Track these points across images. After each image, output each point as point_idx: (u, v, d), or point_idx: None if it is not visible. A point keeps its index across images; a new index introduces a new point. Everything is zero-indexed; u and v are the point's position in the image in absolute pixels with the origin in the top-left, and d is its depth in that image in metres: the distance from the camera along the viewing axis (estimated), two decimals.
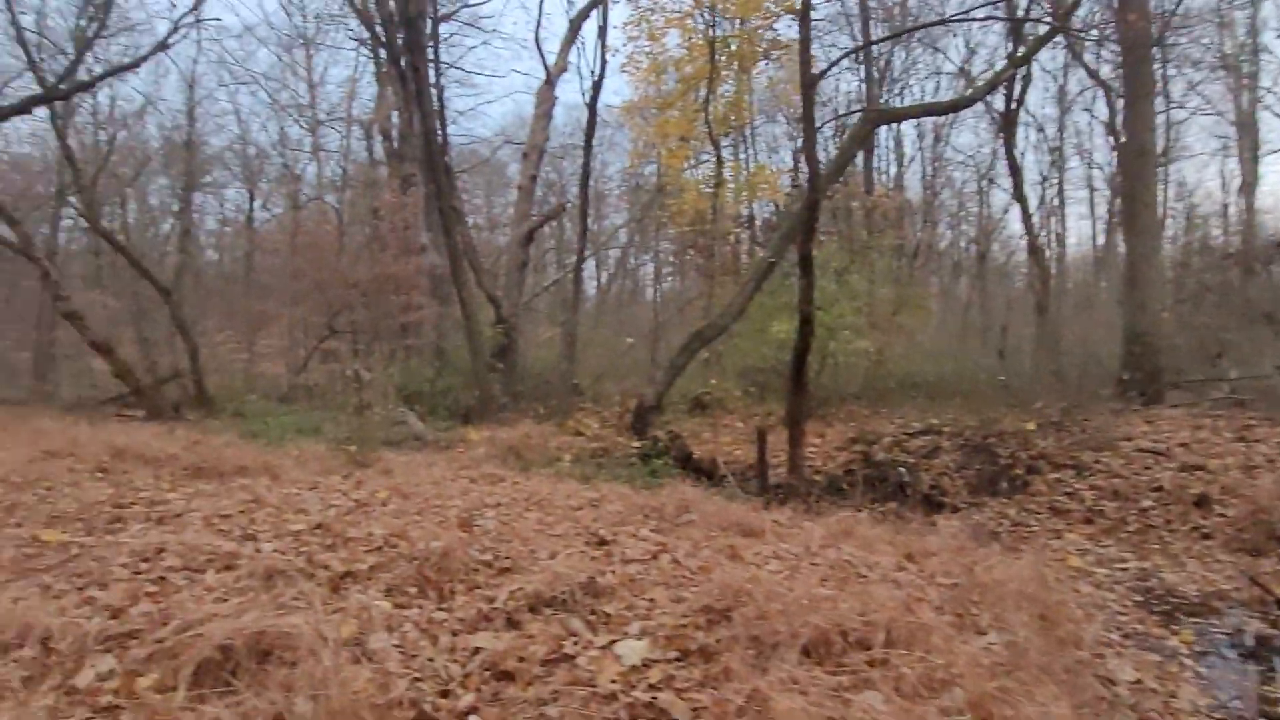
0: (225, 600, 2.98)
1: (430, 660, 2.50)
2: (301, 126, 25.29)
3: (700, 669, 2.40)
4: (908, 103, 18.98)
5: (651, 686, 2.30)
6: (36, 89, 12.13)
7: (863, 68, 17.87)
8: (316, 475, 7.10)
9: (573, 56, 16.24)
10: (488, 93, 38.58)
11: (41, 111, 14.24)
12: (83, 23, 15.16)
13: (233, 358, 22.72)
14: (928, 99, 19.22)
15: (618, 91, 45.93)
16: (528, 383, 14.86)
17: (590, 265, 25.70)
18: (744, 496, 7.64)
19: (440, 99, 16.58)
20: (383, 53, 18.94)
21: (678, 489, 5.91)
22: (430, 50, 16.15)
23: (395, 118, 19.38)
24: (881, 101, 17.60)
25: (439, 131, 13.12)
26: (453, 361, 14.46)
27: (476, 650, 2.57)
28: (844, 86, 20.17)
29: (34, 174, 23.12)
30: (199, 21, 13.14)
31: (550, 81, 16.35)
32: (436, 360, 14.52)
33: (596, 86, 13.55)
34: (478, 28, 20.44)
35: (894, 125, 19.44)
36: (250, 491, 5.62)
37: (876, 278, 11.57)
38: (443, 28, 19.09)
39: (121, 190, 22.89)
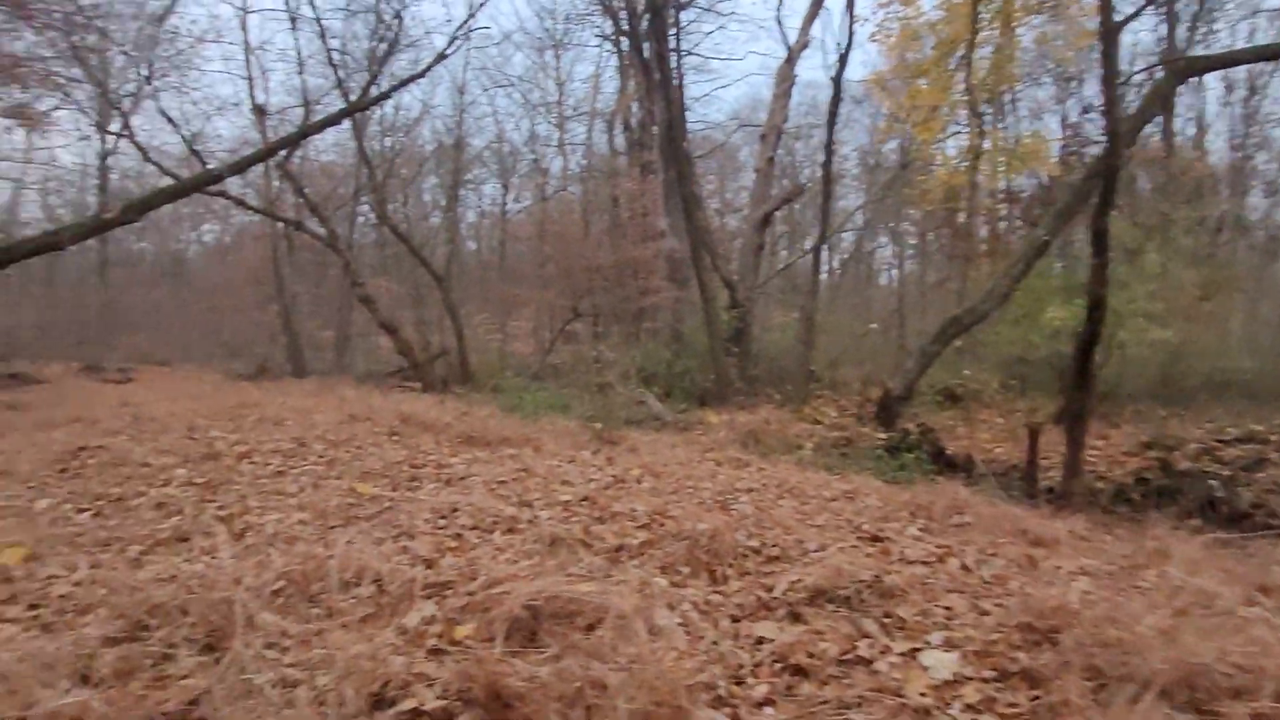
0: (516, 562, 3.18)
1: (715, 644, 2.44)
2: (549, 123, 27.04)
3: (1026, 695, 2.11)
4: (1214, 50, 16.08)
5: (970, 707, 2.05)
6: (341, 104, 14.16)
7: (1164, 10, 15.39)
8: (570, 449, 7.49)
9: (814, 30, 15.72)
10: (723, 77, 38.61)
11: (343, 122, 16.62)
12: (376, 43, 17.34)
13: (488, 338, 24.96)
14: (1239, 45, 16.17)
15: (861, 64, 43.96)
16: (761, 367, 14.72)
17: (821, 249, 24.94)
18: (1010, 500, 6.92)
19: (679, 86, 16.81)
20: (625, 44, 19.65)
21: (944, 487, 5.45)
22: (671, 38, 16.42)
23: (635, 108, 20.04)
24: (1180, 50, 15.08)
25: (681, 118, 13.31)
26: (689, 344, 14.69)
27: (761, 640, 2.48)
28: (1129, 38, 17.56)
29: (336, 178, 26.98)
30: (469, 32, 14.43)
31: (791, 59, 15.94)
32: (673, 343, 14.83)
33: (843, 59, 12.96)
34: (716, 12, 20.48)
35: (1195, 79, 16.57)
36: (519, 461, 6.03)
37: (1176, 257, 9.92)
38: (682, 15, 19.36)
39: (404, 189, 25.89)
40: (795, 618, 2.64)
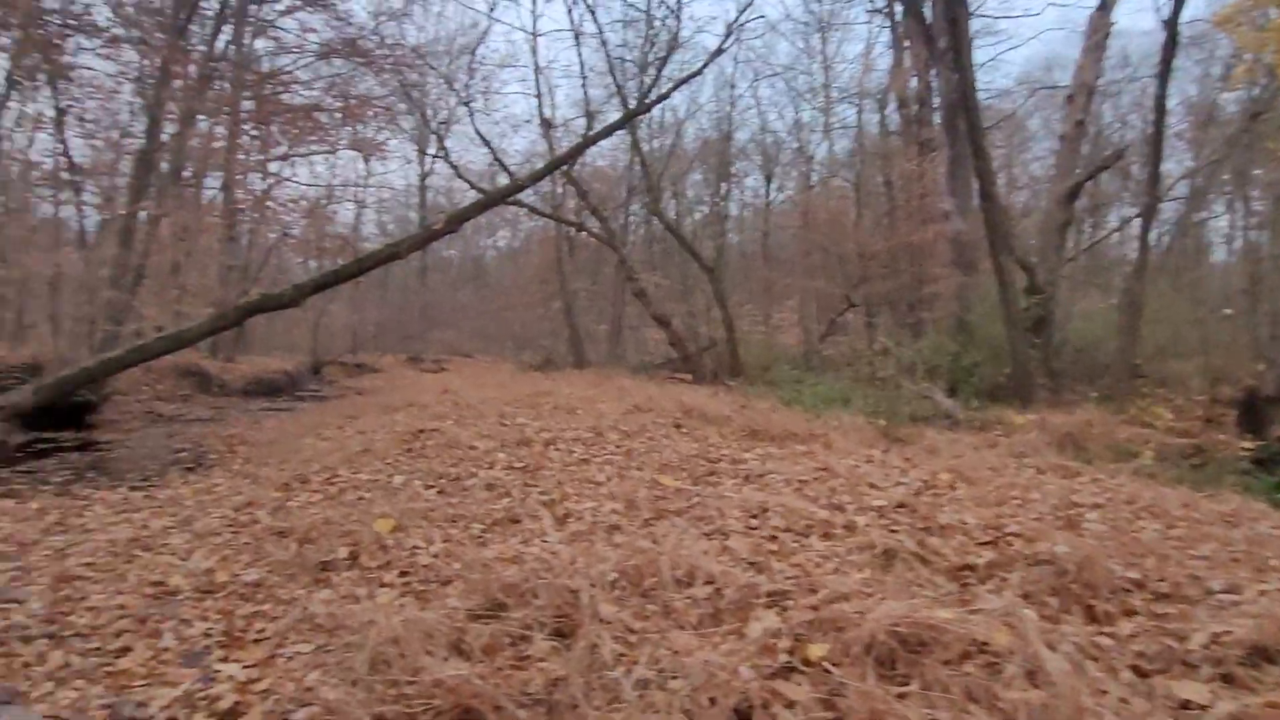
0: (846, 573, 2.95)
1: (1124, 702, 2.01)
2: (815, 109, 26.31)
3: None
4: None
5: None
6: (620, 111, 14.93)
7: None
8: (859, 446, 7.07)
9: None
10: (1011, 38, 34.92)
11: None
12: (649, 49, 18.03)
13: (751, 329, 24.93)
14: None
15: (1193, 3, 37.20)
16: (1066, 359, 12.98)
17: (1134, 223, 21.43)
18: None
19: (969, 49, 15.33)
20: (901, 15, 18.43)
21: None
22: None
23: (912, 83, 18.72)
24: None
25: (973, 84, 12.08)
26: (977, 335, 13.37)
27: (1187, 704, 2.01)
28: None
29: (609, 181, 28.66)
30: (743, 25, 14.41)
31: (1106, 5, 13.82)
32: (959, 334, 13.59)
33: None
34: None
35: None
36: (814, 459, 5.78)
37: None
38: None
39: (673, 186, 26.72)
40: (1229, 680, 2.11)
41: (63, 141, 16.18)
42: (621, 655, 2.37)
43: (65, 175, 16.98)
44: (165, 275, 16.60)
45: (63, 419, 11.57)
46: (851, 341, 16.13)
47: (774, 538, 3.50)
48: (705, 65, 14.53)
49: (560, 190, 25.30)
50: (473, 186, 20.80)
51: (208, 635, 3.12)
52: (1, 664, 2.85)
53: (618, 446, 6.57)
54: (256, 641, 3.02)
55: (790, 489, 4.49)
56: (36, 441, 10.09)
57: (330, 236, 22.64)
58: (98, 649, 3.02)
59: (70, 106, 16.36)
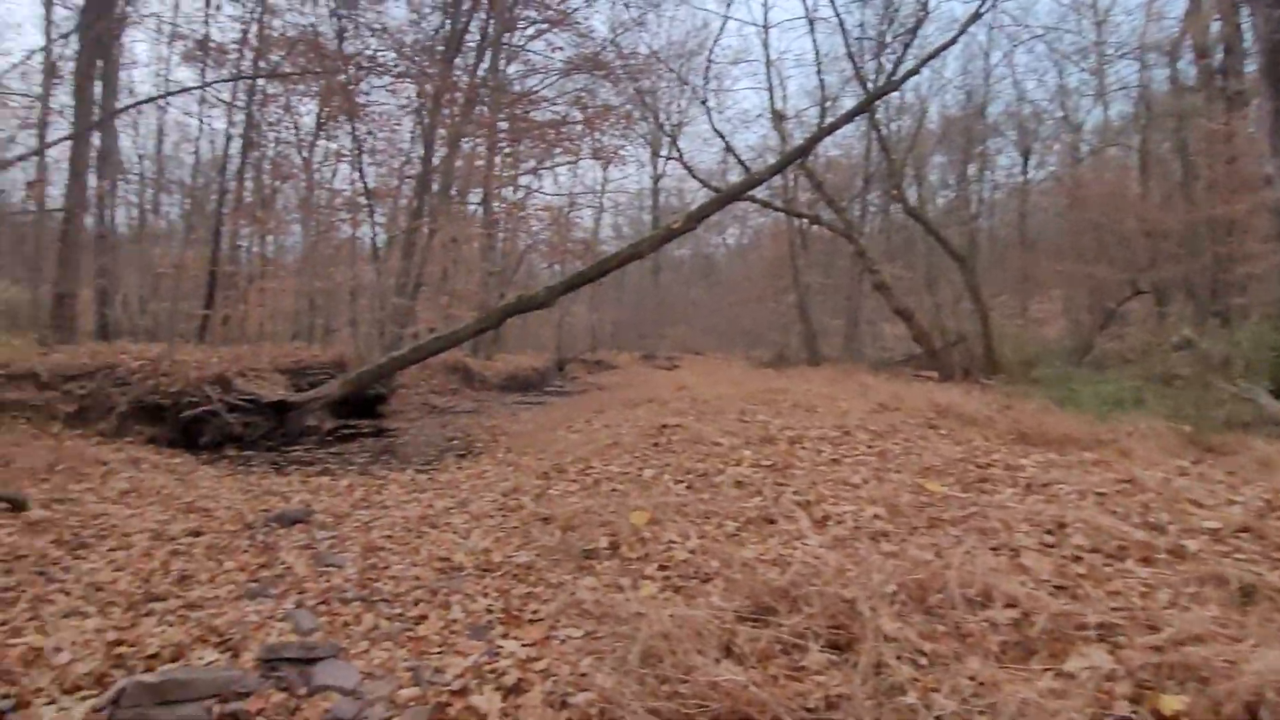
0: (1181, 606, 2.46)
1: None
2: (1083, 70, 23.37)
3: None
4: None
5: None
6: (857, 98, 14.21)
7: None
8: (1162, 456, 6.05)
9: None
10: None
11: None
12: (888, 27, 17.05)
13: (1005, 322, 22.70)
14: None
15: None
16: None
17: None
18: None
19: None
20: None
21: None
22: None
23: (1215, 27, 15.90)
24: None
25: None
26: None
27: None
28: None
29: (843, 170, 27.62)
30: None
31: None
32: None
33: None
34: None
35: None
36: (1109, 469, 5.02)
37: None
38: None
39: (917, 170, 25.17)
40: None
41: (359, 170, 18.74)
42: (914, 679, 2.14)
43: (360, 200, 19.67)
44: (437, 283, 18.62)
45: (361, 409, 13.41)
46: (1137, 334, 14.05)
47: (1078, 558, 3.03)
48: (959, 34, 13.38)
49: (793, 183, 24.87)
50: (705, 185, 21.07)
51: (489, 611, 3.33)
52: (326, 621, 3.25)
53: (869, 447, 6.19)
54: (532, 621, 3.17)
55: (1088, 503, 3.90)
56: (342, 427, 11.76)
57: (573, 241, 24.06)
58: (400, 615, 3.35)
59: (364, 140, 18.94)
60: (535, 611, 3.27)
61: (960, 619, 2.44)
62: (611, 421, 9.08)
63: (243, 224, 20.54)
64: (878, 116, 23.80)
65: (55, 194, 16.31)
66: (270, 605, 3.44)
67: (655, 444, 6.85)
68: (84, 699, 2.55)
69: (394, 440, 10.52)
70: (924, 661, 2.23)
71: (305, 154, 21.02)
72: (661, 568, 3.59)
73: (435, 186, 18.74)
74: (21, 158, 8.56)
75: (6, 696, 2.50)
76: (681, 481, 5.28)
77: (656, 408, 10.10)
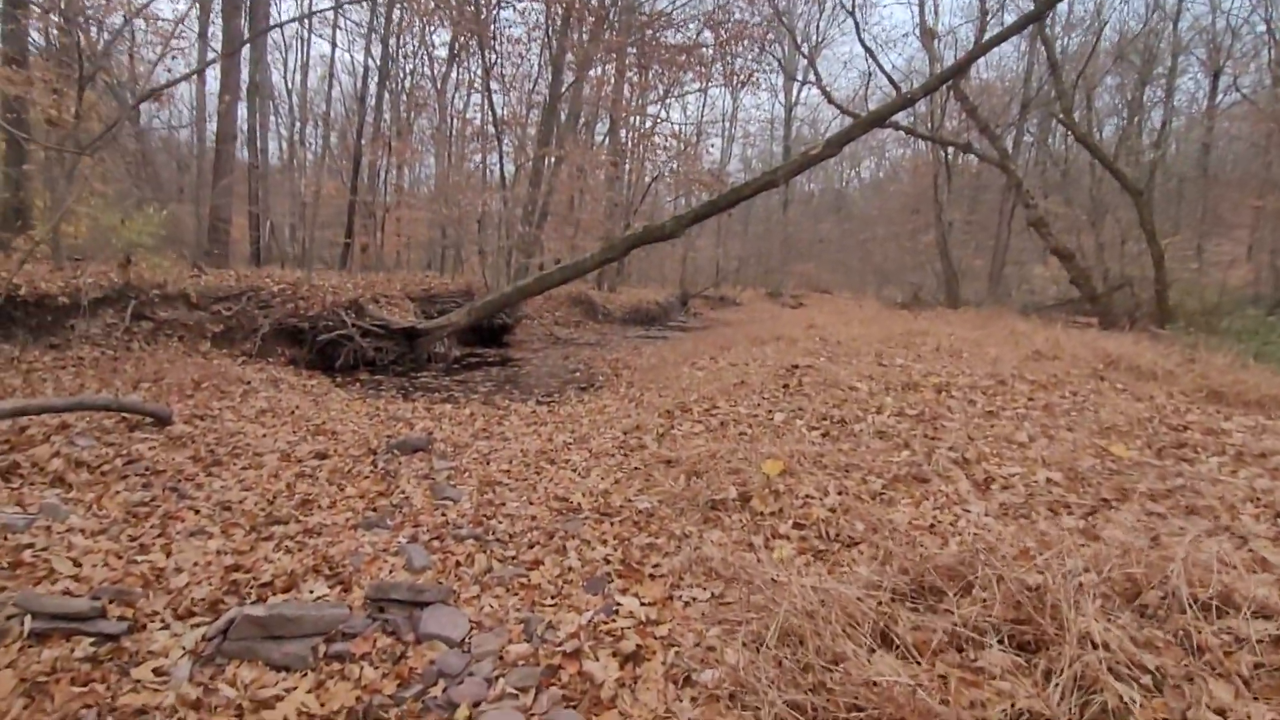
0: None
1: None
2: None
3: None
4: None
5: None
6: (1011, 13, 12.51)
7: None
8: None
9: None
10: None
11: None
12: None
13: (1179, 265, 20.26)
14: None
15: None
16: None
17: None
18: None
19: None
20: None
21: None
22: None
23: None
24: None
25: None
26: None
27: None
28: None
29: (995, 97, 25.12)
30: None
31: None
32: None
33: None
34: None
35: None
36: None
37: None
38: None
39: (1088, 92, 22.56)
40: None
41: (488, 98, 18.68)
42: (1135, 703, 1.67)
43: (489, 128, 19.69)
44: (564, 213, 18.50)
45: (487, 338, 13.62)
46: None
47: None
48: None
49: (940, 111, 22.98)
50: (843, 111, 19.68)
51: (607, 561, 3.07)
52: (439, 560, 3.09)
53: (1031, 400, 5.48)
54: (653, 577, 2.88)
55: None
56: (469, 355, 11.96)
57: (701, 172, 23.27)
58: (514, 558, 3.14)
59: (493, 67, 18.81)
60: (656, 566, 2.98)
61: (1189, 627, 1.92)
62: (738, 359, 8.66)
63: (380, 154, 21.15)
64: (1045, 31, 21.41)
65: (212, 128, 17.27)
66: (385, 537, 3.33)
67: (785, 385, 6.38)
68: (196, 626, 2.48)
69: (517, 370, 10.55)
70: (1146, 680, 1.75)
71: (438, 85, 21.24)
72: (797, 525, 3.20)
73: (563, 115, 18.47)
74: (171, 83, 8.85)
75: (122, 619, 2.46)
76: (816, 429, 4.83)
77: (785, 346, 9.57)
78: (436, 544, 3.26)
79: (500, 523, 3.53)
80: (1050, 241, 16.50)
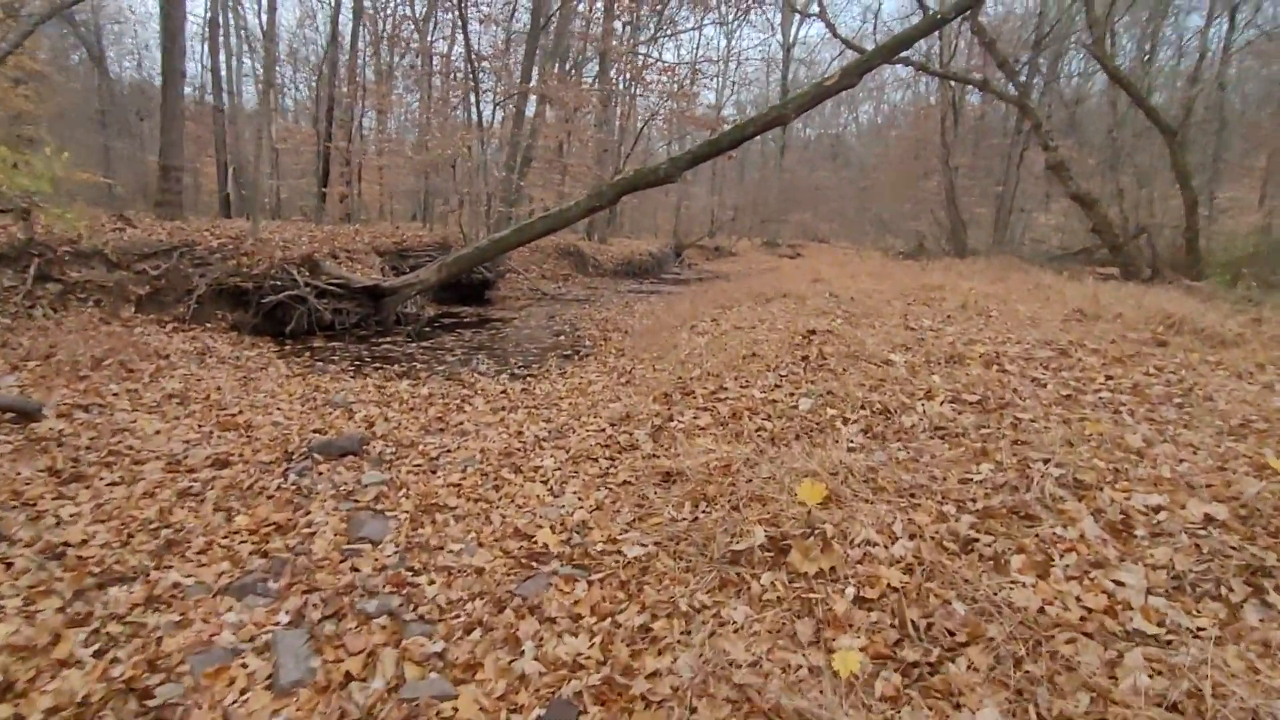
0: None
1: None
2: None
3: None
4: None
5: None
6: None
7: None
8: None
9: None
10: None
11: None
12: None
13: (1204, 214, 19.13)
14: None
15: None
16: None
17: None
18: None
19: None
20: None
21: None
22: None
23: None
24: None
25: None
26: None
27: None
28: None
29: (1013, 30, 23.53)
30: None
31: None
32: None
33: None
34: None
35: None
36: None
37: None
38: None
39: (1107, 27, 21.06)
40: None
41: (465, 34, 17.16)
42: None
43: (468, 65, 18.22)
44: (550, 158, 17.14)
45: (467, 295, 12.47)
46: None
47: None
48: None
49: (951, 47, 21.61)
50: (848, 45, 18.20)
51: (579, 666, 2.04)
52: (322, 668, 2.05)
53: (1110, 379, 4.43)
54: (649, 705, 1.84)
55: None
56: (445, 315, 10.84)
57: (696, 113, 21.79)
58: (440, 658, 2.10)
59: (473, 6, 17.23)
60: (654, 679, 1.94)
61: None
62: (743, 321, 7.58)
63: (356, 98, 19.64)
64: None
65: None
66: (259, 613, 2.30)
67: (804, 358, 5.31)
68: None
69: (495, 332, 9.45)
70: None
71: (418, 25, 19.65)
72: (862, 603, 2.16)
73: (548, 50, 16.99)
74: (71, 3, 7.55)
75: None
76: (854, 421, 3.77)
77: (793, 305, 8.48)
78: (330, 627, 2.23)
79: (431, 584, 2.49)
80: (1070, 186, 15.29)
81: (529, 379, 6.23)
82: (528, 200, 16.38)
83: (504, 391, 5.57)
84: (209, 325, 7.49)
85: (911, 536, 2.46)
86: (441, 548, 2.75)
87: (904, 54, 14.52)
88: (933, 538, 2.45)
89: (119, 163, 23.27)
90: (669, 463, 3.39)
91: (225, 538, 2.90)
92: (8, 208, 6.58)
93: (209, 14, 19.53)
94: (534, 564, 2.62)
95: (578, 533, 2.85)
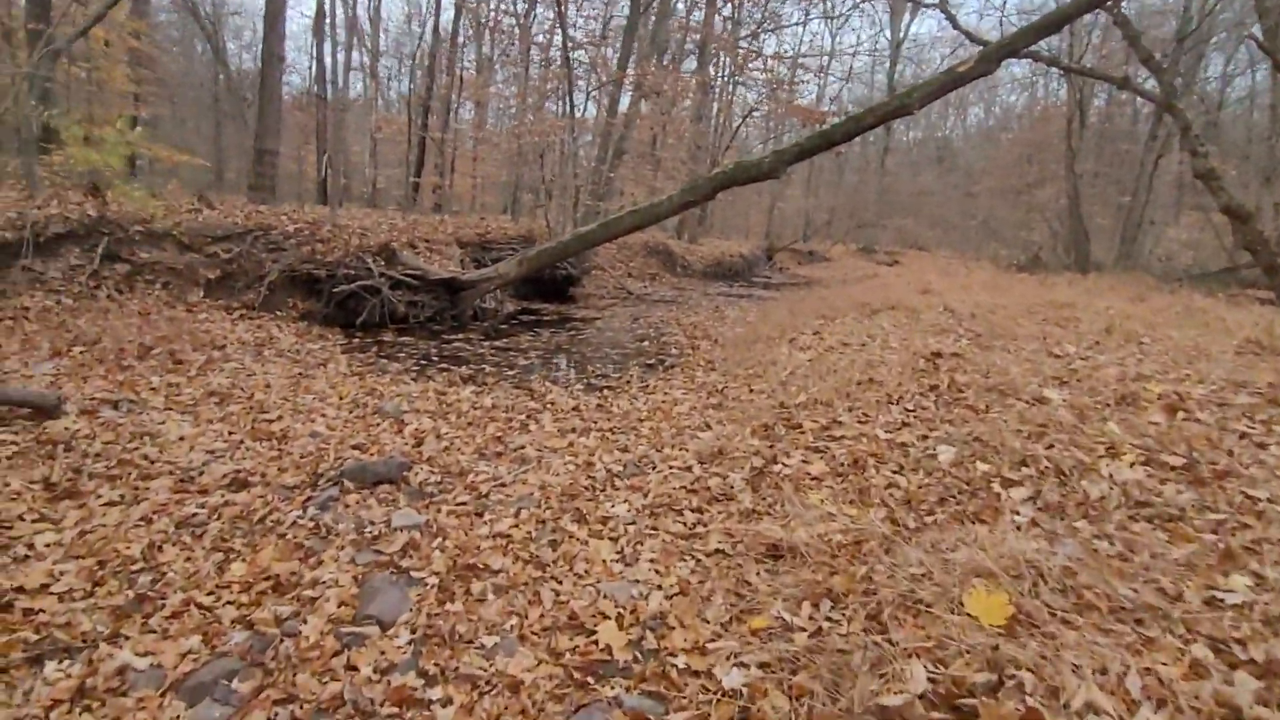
0: None
1: None
2: None
3: None
4: None
5: None
6: None
7: None
8: None
9: None
10: None
11: None
12: None
13: None
14: None
15: None
16: None
17: None
18: None
19: None
20: None
21: None
22: None
23: None
24: None
25: None
26: None
27: None
28: None
29: (1155, 23, 21.45)
30: None
31: None
32: None
33: None
34: None
35: None
36: None
37: None
38: None
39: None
40: None
41: (562, 27, 16.69)
42: None
43: (565, 56, 17.75)
44: (644, 151, 16.46)
45: (550, 291, 11.94)
46: None
47: None
48: None
49: (1084, 44, 19.93)
50: (970, 38, 16.80)
51: None
52: None
53: None
54: None
55: None
56: (524, 312, 10.32)
57: (801, 108, 20.68)
58: None
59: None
60: None
61: None
62: (850, 336, 6.68)
63: (454, 90, 19.53)
64: None
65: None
66: None
67: (932, 388, 4.40)
68: None
69: (575, 333, 8.82)
70: None
71: (520, 19, 19.37)
72: None
73: (647, 41, 16.34)
74: None
75: None
76: (1017, 484, 2.89)
77: (905, 319, 7.50)
78: None
79: (446, 705, 1.79)
80: (1222, 198, 13.52)
81: (606, 391, 5.52)
82: (618, 194, 15.76)
83: (576, 408, 4.87)
84: (279, 313, 7.13)
85: (1159, 704, 1.61)
86: (470, 641, 2.06)
87: (1033, 48, 13.17)
88: (1193, 708, 1.59)
89: (231, 149, 24.00)
90: (776, 529, 2.60)
91: (210, 594, 2.29)
92: (79, 184, 6.35)
93: (317, 5, 19.79)
94: (590, 681, 1.89)
95: (652, 630, 2.11)
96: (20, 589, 2.22)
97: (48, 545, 2.51)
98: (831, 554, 2.34)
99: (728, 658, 1.94)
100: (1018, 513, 2.68)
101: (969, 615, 1.92)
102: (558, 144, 13.86)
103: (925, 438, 3.51)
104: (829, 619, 2.02)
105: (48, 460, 3.12)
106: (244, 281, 7.11)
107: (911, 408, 4.05)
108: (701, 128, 18.70)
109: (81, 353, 4.68)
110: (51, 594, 2.23)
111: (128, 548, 2.54)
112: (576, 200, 13.01)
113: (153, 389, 4.28)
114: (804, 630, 1.99)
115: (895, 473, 3.11)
